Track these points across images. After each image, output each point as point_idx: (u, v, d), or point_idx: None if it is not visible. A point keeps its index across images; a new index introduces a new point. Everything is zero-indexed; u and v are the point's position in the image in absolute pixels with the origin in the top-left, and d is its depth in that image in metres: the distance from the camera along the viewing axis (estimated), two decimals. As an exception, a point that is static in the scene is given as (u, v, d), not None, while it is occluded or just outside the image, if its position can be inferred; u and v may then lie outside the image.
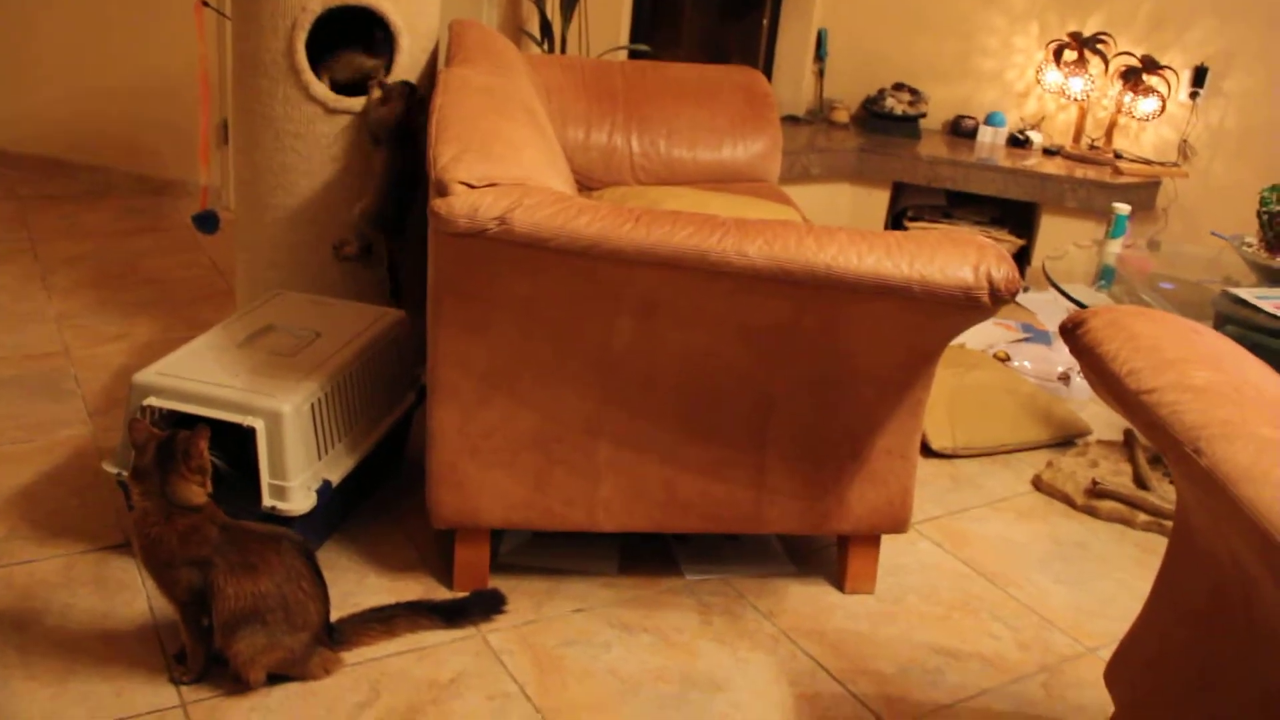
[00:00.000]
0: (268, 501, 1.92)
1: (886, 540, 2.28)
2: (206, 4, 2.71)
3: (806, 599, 2.11)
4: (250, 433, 1.91)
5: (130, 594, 1.95)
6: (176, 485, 1.65)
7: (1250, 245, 2.75)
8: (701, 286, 1.72)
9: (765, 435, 1.94)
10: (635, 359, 1.85)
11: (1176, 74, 4.24)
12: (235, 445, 1.93)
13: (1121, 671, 1.59)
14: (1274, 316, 2.49)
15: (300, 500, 1.94)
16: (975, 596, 2.18)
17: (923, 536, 2.38)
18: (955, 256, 1.70)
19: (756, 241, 1.69)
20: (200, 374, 1.98)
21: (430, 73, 2.60)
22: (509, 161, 1.81)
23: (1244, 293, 2.61)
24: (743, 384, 1.89)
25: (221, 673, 1.73)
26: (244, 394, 1.93)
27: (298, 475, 1.94)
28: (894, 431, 1.98)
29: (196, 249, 3.69)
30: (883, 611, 2.10)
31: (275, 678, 1.74)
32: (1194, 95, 4.22)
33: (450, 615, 1.94)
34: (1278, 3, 4.07)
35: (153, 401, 1.94)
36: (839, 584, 2.16)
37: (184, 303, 3.26)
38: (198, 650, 1.73)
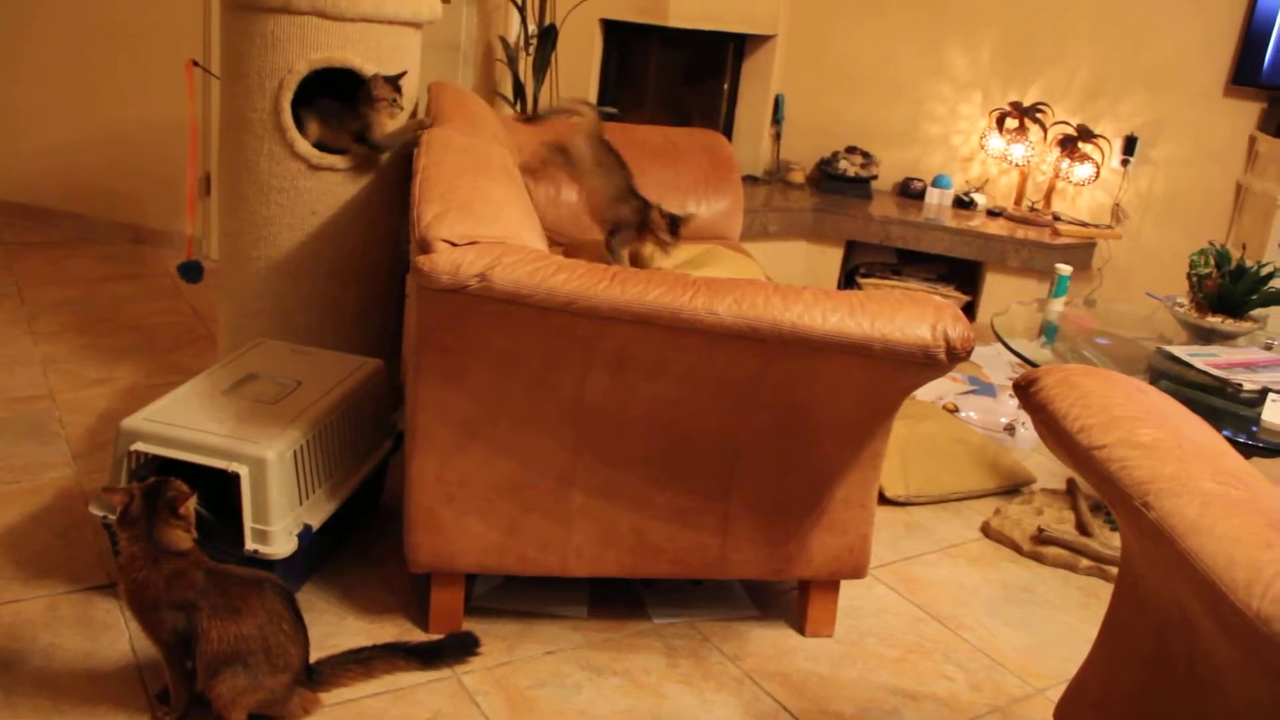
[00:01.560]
0: (250, 545, 1.97)
1: (845, 585, 2.37)
2: (197, 63, 2.78)
3: (769, 642, 2.19)
4: (234, 478, 1.96)
5: (114, 634, 1.98)
6: (163, 531, 1.70)
7: (1182, 305, 2.89)
8: (672, 342, 1.80)
9: (731, 484, 2.03)
10: (608, 410, 1.93)
11: (1109, 142, 4.46)
12: (216, 489, 1.98)
13: (1070, 711, 1.64)
14: (1205, 373, 2.63)
15: (282, 544, 1.98)
16: (929, 639, 2.27)
17: (879, 581, 2.48)
18: (914, 316, 1.81)
19: (725, 300, 1.78)
20: (186, 420, 2.03)
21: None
22: (489, 220, 1.88)
23: (1178, 350, 2.74)
24: (710, 435, 1.97)
25: (203, 713, 1.76)
26: (229, 440, 1.98)
27: (280, 520, 1.99)
28: (853, 482, 2.08)
29: (177, 296, 3.73)
30: (842, 653, 2.18)
31: (256, 718, 1.77)
32: (1125, 162, 4.45)
33: (426, 657, 1.98)
34: (1200, 78, 4.31)
35: (140, 447, 1.99)
36: (800, 627, 2.23)
37: (165, 349, 3.30)
38: (180, 690, 1.76)
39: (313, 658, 1.85)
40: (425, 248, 1.77)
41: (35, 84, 4.26)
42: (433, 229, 1.80)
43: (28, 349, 3.19)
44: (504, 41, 4.10)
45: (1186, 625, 1.33)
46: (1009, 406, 3.42)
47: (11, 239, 4.17)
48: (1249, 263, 2.80)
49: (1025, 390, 1.56)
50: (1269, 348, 2.93)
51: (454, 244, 1.77)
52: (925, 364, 1.82)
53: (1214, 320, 2.80)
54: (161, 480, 1.72)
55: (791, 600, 2.33)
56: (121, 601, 1.78)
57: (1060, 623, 2.39)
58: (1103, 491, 1.38)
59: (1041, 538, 2.66)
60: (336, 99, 2.53)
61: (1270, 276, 2.76)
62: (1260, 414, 2.42)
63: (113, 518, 1.73)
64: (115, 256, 4.10)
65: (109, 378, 3.06)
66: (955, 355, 1.81)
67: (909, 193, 4.75)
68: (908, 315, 1.81)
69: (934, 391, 3.54)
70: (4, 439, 2.64)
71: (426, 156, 2.14)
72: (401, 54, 2.60)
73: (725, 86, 4.81)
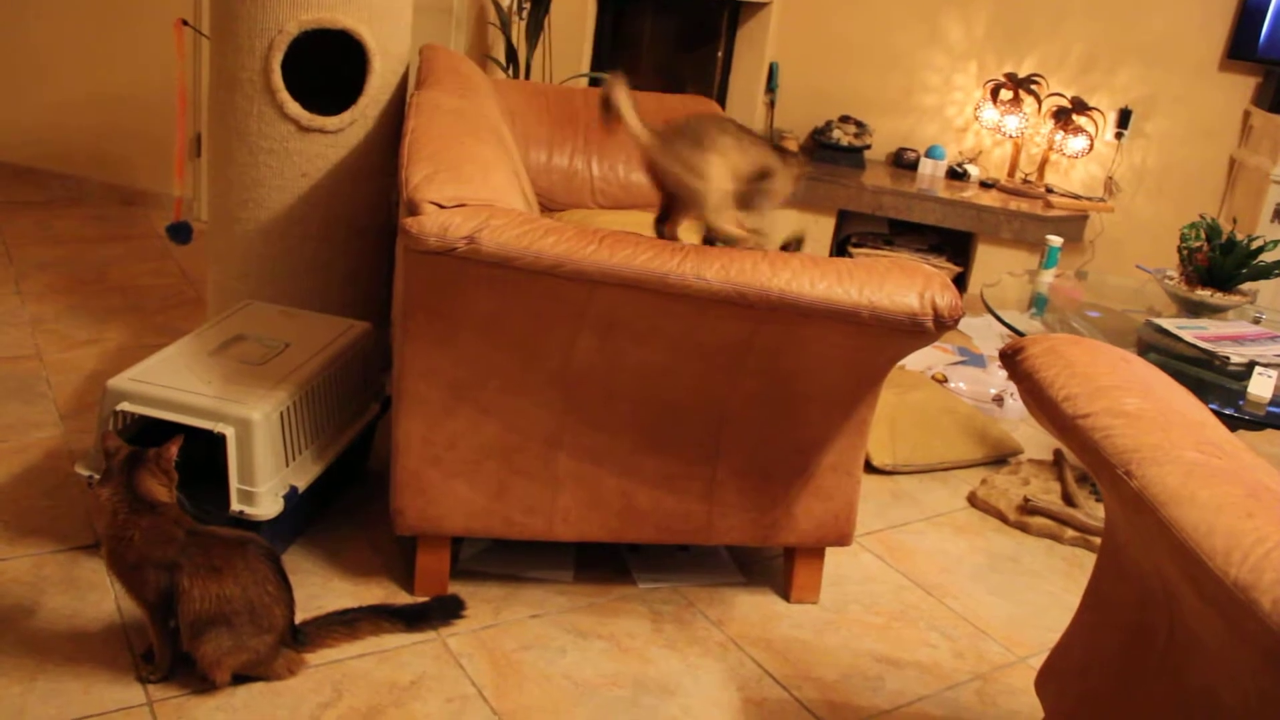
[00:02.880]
0: (236, 506, 1.97)
1: (830, 552, 2.38)
2: (186, 23, 2.75)
3: (754, 608, 2.20)
4: (220, 439, 1.96)
5: (99, 594, 1.98)
6: (143, 480, 1.70)
7: (1172, 278, 2.89)
8: (661, 307, 1.80)
9: (718, 450, 2.03)
10: (595, 374, 1.93)
11: (1104, 115, 4.44)
12: (203, 451, 1.98)
13: (1051, 679, 1.66)
14: (1193, 346, 2.63)
15: (268, 506, 1.99)
16: (913, 607, 2.29)
17: (865, 549, 2.49)
18: (902, 284, 1.81)
19: (714, 265, 1.77)
20: (173, 381, 2.03)
21: (400, 94, 2.67)
22: (478, 183, 1.87)
23: (1166, 323, 2.75)
24: (698, 400, 1.98)
25: (188, 672, 1.77)
26: (215, 401, 1.98)
27: (266, 481, 1.99)
28: (840, 449, 2.08)
29: (166, 257, 3.72)
30: (826, 620, 2.20)
31: (241, 677, 1.78)
32: (1119, 135, 4.43)
33: (411, 619, 1.99)
34: (1195, 52, 4.29)
35: (126, 407, 1.98)
36: (785, 594, 2.25)
37: (154, 310, 3.29)
38: (165, 650, 1.77)
39: (298, 619, 1.85)
40: (413, 210, 1.77)
41: (25, 45, 4.22)
42: (421, 191, 1.79)
43: (15, 309, 3.17)
44: (497, 5, 4.06)
45: (1167, 594, 1.34)
46: (998, 377, 3.43)
47: (1, 199, 4.15)
48: (1239, 236, 2.80)
49: (1011, 359, 1.56)
50: (1257, 321, 2.93)
51: (442, 206, 1.77)
52: (913, 332, 1.82)
53: (1203, 293, 2.81)
54: (145, 450, 1.73)
55: (777, 567, 2.34)
56: (105, 562, 1.78)
57: (1044, 592, 2.40)
58: (1086, 460, 1.38)
59: (1027, 508, 2.67)
60: (325, 64, 2.51)
61: (1260, 250, 2.77)
62: (1246, 387, 2.43)
63: (97, 476, 1.73)
64: (105, 218, 4.08)
65: (97, 338, 3.05)
66: (943, 323, 1.81)
67: (902, 163, 4.74)
68: (896, 283, 1.80)
69: (923, 361, 3.54)
70: (-9, 399, 2.64)
71: (416, 119, 2.12)
72: (393, 17, 2.58)
73: (719, 54, 4.78)
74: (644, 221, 2.84)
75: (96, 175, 4.27)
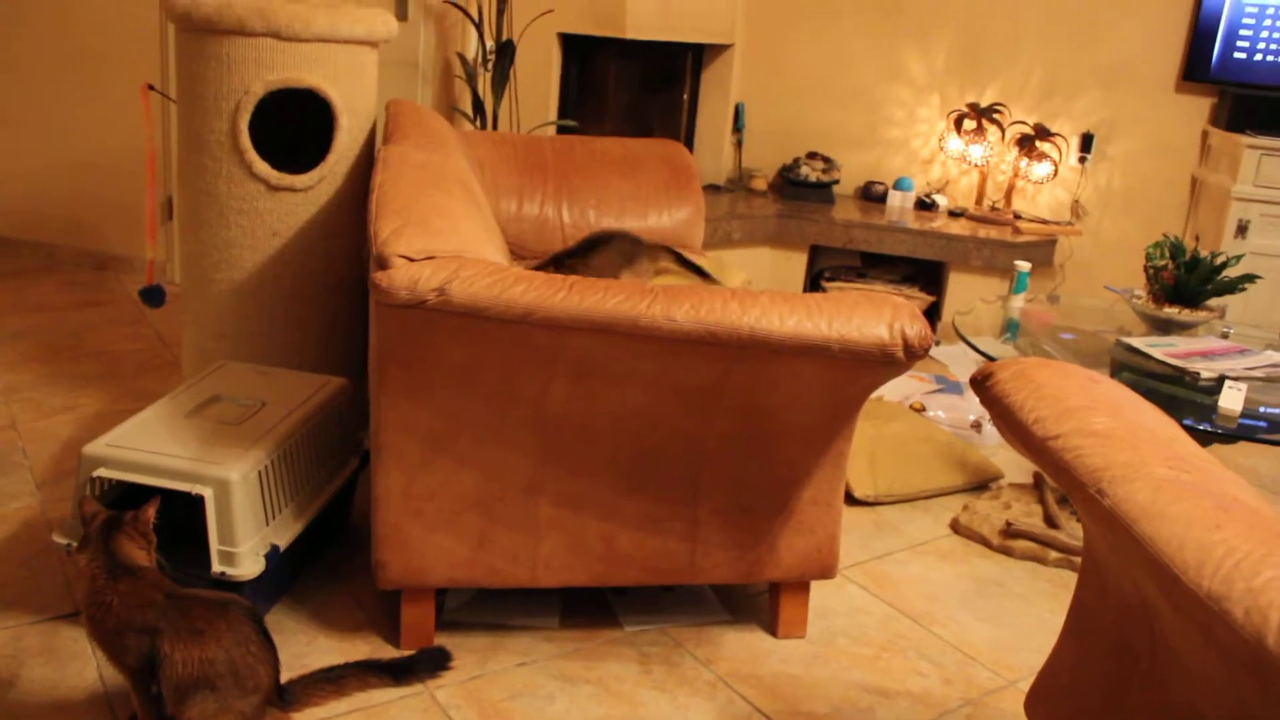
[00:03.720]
0: (217, 567, 1.96)
1: (816, 586, 2.38)
2: (153, 87, 2.78)
3: (741, 645, 2.20)
4: (198, 501, 1.95)
5: (81, 663, 1.96)
6: (121, 544, 1.69)
7: (1140, 297, 2.92)
8: (633, 349, 1.81)
9: (698, 489, 2.04)
10: (572, 419, 1.94)
11: (1066, 140, 4.52)
12: (184, 513, 1.98)
13: (1041, 701, 1.66)
14: (1164, 363, 2.66)
15: (249, 565, 1.98)
16: (901, 636, 2.29)
17: (850, 581, 2.49)
18: (871, 316, 1.83)
19: (684, 306, 1.79)
20: (149, 444, 2.02)
21: (369, 150, 2.69)
22: (446, 234, 1.88)
23: (1136, 342, 2.78)
24: (675, 440, 1.98)
25: (174, 738, 1.76)
26: (192, 463, 1.97)
27: (246, 541, 1.98)
28: (819, 482, 2.09)
29: (141, 322, 3.71)
30: (815, 654, 2.19)
31: (228, 741, 1.77)
32: (1083, 159, 4.50)
33: (398, 673, 1.97)
34: (1152, 75, 4.38)
35: (102, 473, 1.98)
36: (772, 629, 2.24)
37: (130, 374, 3.29)
38: (149, 717, 1.75)
39: (284, 678, 1.83)
40: (382, 264, 1.78)
41: (-9, 115, 4.23)
42: (389, 245, 1.80)
43: (-11, 380, 3.16)
44: (462, 58, 4.11)
45: (1146, 609, 1.35)
46: (975, 404, 3.45)
47: (-28, 269, 4.15)
48: (1203, 253, 2.84)
49: (981, 385, 1.58)
50: (1225, 336, 2.97)
51: (411, 259, 1.78)
52: (884, 363, 1.83)
53: (1171, 311, 2.84)
54: (123, 513, 1.72)
55: (763, 603, 2.34)
56: (86, 629, 1.77)
57: (1031, 615, 2.41)
58: (1059, 481, 1.39)
59: (1010, 532, 2.68)
60: (292, 123, 2.53)
61: (1224, 266, 2.81)
62: (1218, 401, 2.45)
63: (75, 544, 1.72)
64: (78, 284, 4.08)
65: (73, 405, 3.04)
66: (913, 353, 1.83)
67: (871, 196, 4.79)
68: (864, 315, 1.82)
69: (900, 391, 3.56)
70: (-34, 471, 2.62)
71: (383, 173, 2.14)
72: (359, 74, 2.61)
73: (685, 96, 4.84)
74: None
75: (69, 242, 4.28)
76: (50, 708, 1.85)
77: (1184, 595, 1.15)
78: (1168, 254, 2.86)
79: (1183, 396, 2.52)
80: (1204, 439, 2.32)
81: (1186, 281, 2.81)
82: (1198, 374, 2.60)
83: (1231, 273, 2.84)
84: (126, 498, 2.04)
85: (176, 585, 1.75)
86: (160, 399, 2.23)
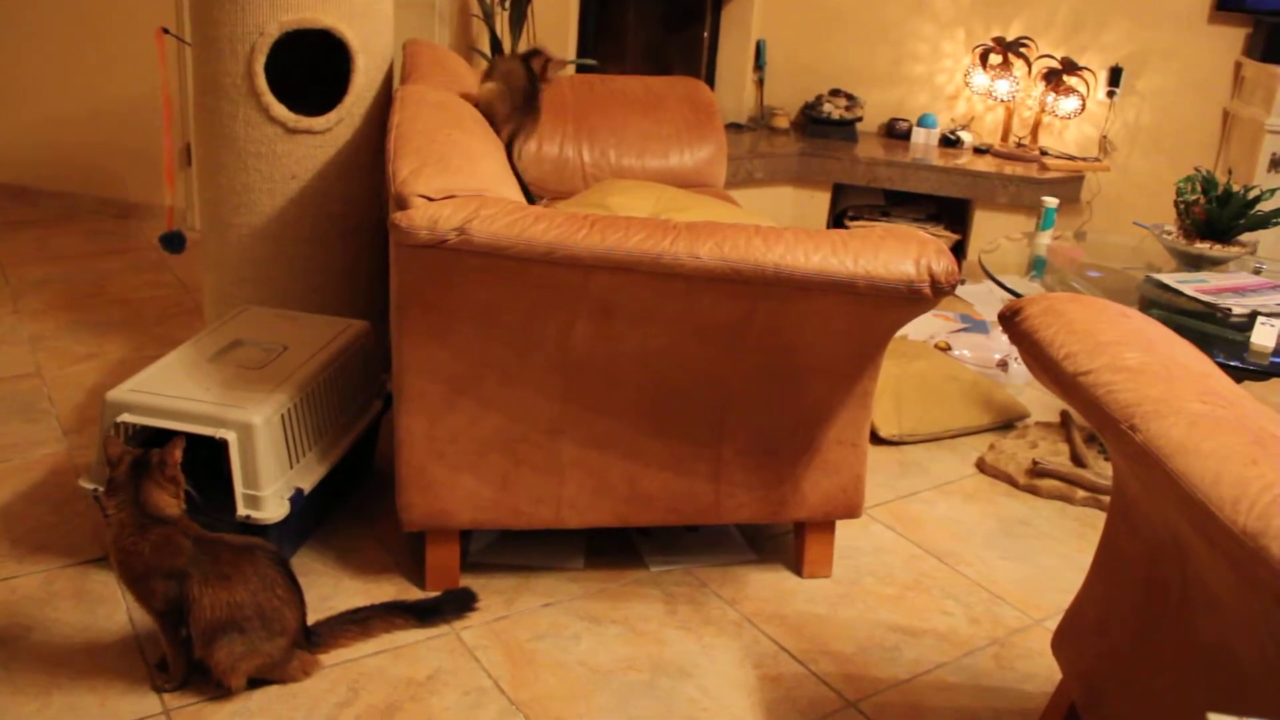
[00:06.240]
0: (242, 511, 1.97)
1: (841, 525, 2.38)
2: (167, 31, 2.74)
3: (767, 585, 2.20)
4: (223, 445, 1.95)
5: (110, 606, 1.98)
6: (150, 494, 1.69)
7: (1170, 233, 2.87)
8: (656, 288, 1.79)
9: (722, 429, 2.02)
10: (594, 360, 1.92)
11: (1094, 74, 4.42)
12: (208, 458, 1.98)
13: (1067, 639, 1.67)
14: (1195, 299, 2.62)
15: (274, 509, 1.98)
16: (927, 575, 2.28)
17: (875, 520, 2.48)
18: (897, 252, 1.80)
19: (707, 243, 1.76)
20: (172, 389, 2.02)
21: (386, 91, 2.66)
22: (466, 173, 1.87)
23: (1166, 278, 2.73)
24: (699, 380, 1.97)
25: (203, 679, 1.77)
26: (216, 407, 1.97)
27: (271, 484, 1.99)
28: (844, 422, 2.07)
29: (163, 269, 3.72)
30: (840, 593, 2.19)
31: (256, 681, 1.78)
32: (1111, 94, 4.41)
33: (424, 614, 1.99)
34: (1183, 6, 4.26)
35: (126, 418, 1.98)
36: (797, 569, 2.24)
37: (153, 321, 3.29)
38: (178, 659, 1.77)
39: (311, 620, 1.85)
40: (402, 204, 1.76)
41: (10, 64, 4.21)
42: (408, 185, 1.78)
43: (14, 328, 3.17)
44: (479, -3, 4.04)
45: (1178, 547, 1.34)
46: (1001, 342, 3.41)
47: (-5, 219, 4.16)
48: (1235, 187, 2.78)
49: (1010, 320, 1.55)
50: (1258, 272, 2.92)
51: (430, 199, 1.76)
52: (911, 299, 1.81)
53: (1202, 246, 2.79)
54: (149, 451, 1.72)
55: (788, 543, 2.34)
56: (114, 573, 1.78)
57: (1057, 554, 2.39)
58: (1090, 417, 1.38)
59: (1037, 471, 2.66)
60: (309, 65, 2.50)
61: (1257, 200, 2.75)
62: (1250, 338, 2.41)
63: (101, 489, 1.73)
64: (100, 232, 4.08)
65: (97, 353, 3.05)
66: (940, 289, 1.80)
67: (895, 133, 4.72)
68: (891, 251, 1.79)
69: (926, 330, 3.53)
70: (-6, 418, 2.64)
71: (400, 113, 2.11)
72: (375, 14, 2.56)
73: (705, 34, 4.76)
74: (654, 193, 2.84)
75: (89, 191, 4.27)
76: (82, 650, 1.87)
77: (1219, 531, 1.13)
78: (1199, 188, 2.80)
79: (1214, 333, 2.48)
80: (1236, 375, 2.29)
81: (1219, 216, 2.75)
82: (1229, 310, 2.56)
83: (1265, 207, 2.79)
84: (150, 444, 2.05)
85: (203, 530, 1.76)
86: (183, 344, 2.23)
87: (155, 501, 1.70)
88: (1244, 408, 1.30)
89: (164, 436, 1.97)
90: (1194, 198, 2.80)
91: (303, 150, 2.54)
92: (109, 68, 4.10)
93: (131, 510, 1.69)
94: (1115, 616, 1.55)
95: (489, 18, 3.98)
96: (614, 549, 2.27)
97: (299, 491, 2.04)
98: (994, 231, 4.24)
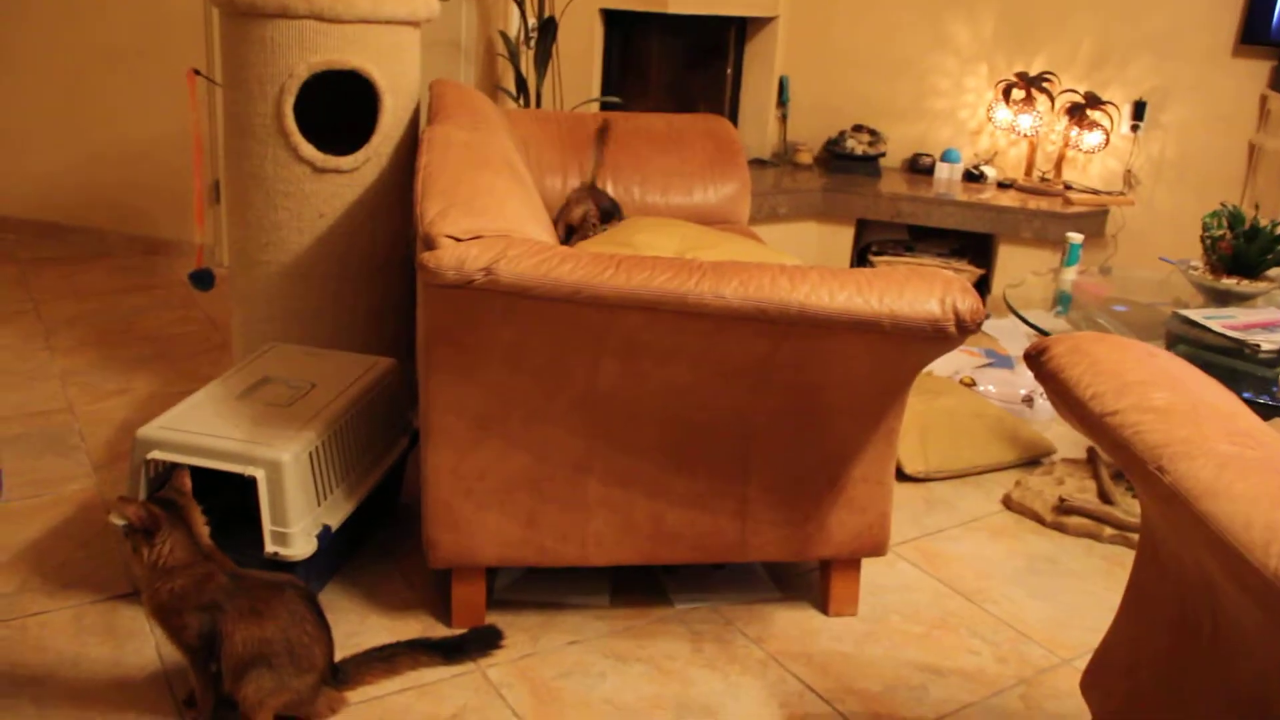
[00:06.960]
0: (270, 548, 1.98)
1: (867, 563, 2.37)
2: (198, 72, 2.80)
3: (793, 623, 2.19)
4: (251, 482, 1.97)
5: (139, 642, 2.00)
6: (196, 526, 1.74)
7: (1196, 268, 2.86)
8: (682, 327, 1.80)
9: (748, 467, 2.03)
10: (620, 398, 1.93)
11: (1118, 108, 4.42)
12: (238, 494, 2.00)
13: (1096, 680, 1.64)
14: (1222, 335, 2.60)
15: (301, 546, 2.00)
16: (954, 614, 2.27)
17: (901, 558, 2.47)
18: (922, 291, 1.80)
19: (733, 283, 1.77)
20: (201, 427, 2.04)
21: (413, 130, 2.69)
22: (492, 214, 1.88)
23: (1193, 314, 2.72)
24: (724, 418, 1.97)
25: (231, 715, 1.77)
26: (244, 445, 1.99)
27: (298, 521, 2.00)
28: (870, 459, 2.07)
29: (192, 305, 3.77)
30: (866, 632, 2.18)
31: (283, 718, 1.79)
32: (1135, 128, 4.41)
33: (449, 652, 1.99)
34: (1207, 39, 4.26)
35: (156, 455, 2.00)
36: (823, 607, 2.23)
37: (182, 357, 3.33)
38: (207, 694, 1.78)
39: (337, 657, 1.86)
40: (429, 244, 1.78)
41: (41, 102, 4.30)
42: (436, 225, 1.80)
43: (45, 364, 3.22)
44: (504, 36, 4.10)
45: (1208, 588, 1.32)
46: (1027, 378, 3.40)
47: (26, 256, 4.23)
48: (1263, 222, 2.77)
49: (1036, 359, 1.55)
50: (1286, 307, 2.90)
51: (458, 239, 1.78)
52: (935, 338, 1.81)
53: (1229, 282, 2.78)
54: (167, 490, 1.75)
55: (814, 580, 2.33)
56: (145, 610, 1.80)
57: (1085, 592, 2.37)
58: (1117, 457, 1.37)
59: (1063, 508, 2.65)
60: (337, 103, 2.54)
61: (1285, 235, 2.73)
62: (1279, 374, 2.40)
63: (125, 524, 1.75)
64: (129, 269, 4.14)
65: (127, 388, 3.08)
66: (965, 328, 1.80)
67: (918, 168, 4.73)
68: (915, 290, 1.80)
69: (951, 366, 3.52)
70: (25, 453, 2.67)
71: (428, 154, 2.14)
72: (401, 54, 2.60)
73: (729, 71, 4.80)
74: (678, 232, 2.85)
75: (119, 228, 4.34)
76: (112, 685, 1.88)
77: (1250, 575, 1.12)
78: (1226, 223, 2.79)
79: (1242, 370, 2.46)
80: (1265, 413, 2.27)
81: (1246, 251, 2.74)
82: (1258, 346, 2.54)
83: (1292, 242, 2.77)
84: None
85: (236, 566, 1.78)
86: (212, 381, 2.26)
87: (200, 532, 1.73)
88: (1274, 448, 1.29)
89: (199, 473, 1.99)
90: (1220, 233, 2.79)
91: (331, 189, 2.57)
92: (140, 107, 4.18)
93: (180, 544, 1.72)
94: (1144, 657, 1.53)
95: (514, 56, 4.03)
96: (639, 586, 2.27)
97: (326, 528, 2.05)
98: (1018, 266, 4.23)
